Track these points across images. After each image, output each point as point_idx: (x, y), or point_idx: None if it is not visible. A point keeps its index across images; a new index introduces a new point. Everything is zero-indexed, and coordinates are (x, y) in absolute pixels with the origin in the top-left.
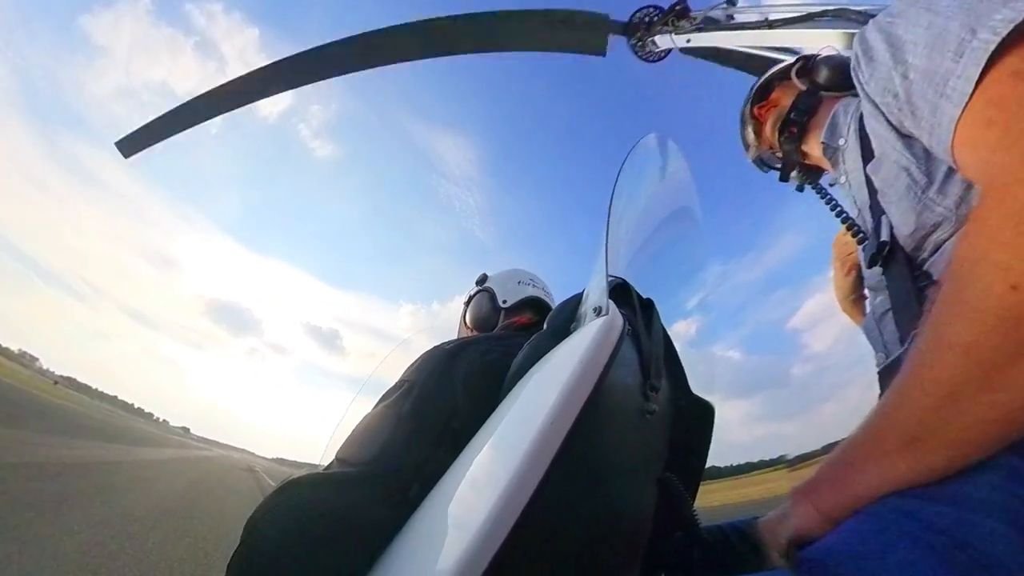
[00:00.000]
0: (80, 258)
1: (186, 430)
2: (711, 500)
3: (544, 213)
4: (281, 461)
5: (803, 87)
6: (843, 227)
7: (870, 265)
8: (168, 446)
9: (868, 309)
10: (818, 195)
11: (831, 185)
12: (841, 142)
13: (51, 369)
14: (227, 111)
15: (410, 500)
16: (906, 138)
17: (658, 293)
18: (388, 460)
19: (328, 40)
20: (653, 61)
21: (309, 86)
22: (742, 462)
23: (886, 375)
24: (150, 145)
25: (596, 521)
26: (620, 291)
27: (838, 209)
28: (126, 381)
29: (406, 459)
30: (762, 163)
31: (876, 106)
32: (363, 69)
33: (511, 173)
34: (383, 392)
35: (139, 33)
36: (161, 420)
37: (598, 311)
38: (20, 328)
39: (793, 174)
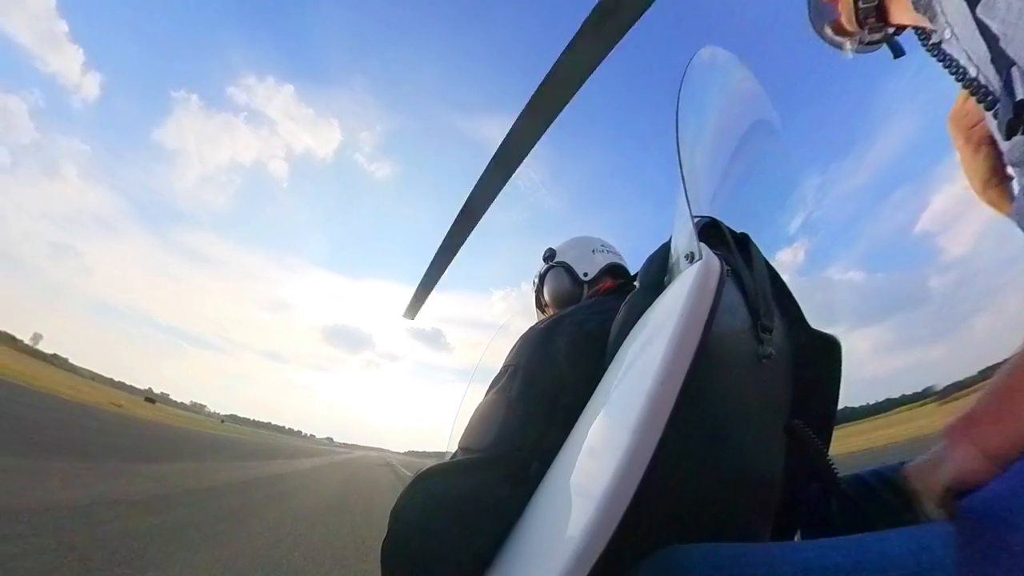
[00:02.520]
0: (214, 320)
1: (330, 440)
2: (848, 446)
3: (610, 161)
4: (412, 453)
5: None
6: (962, 92)
7: (1008, 135)
8: (318, 455)
9: (1015, 191)
10: (933, 56)
11: (933, 43)
12: None
13: (216, 411)
14: (458, 249)
15: (531, 477)
16: None
17: (752, 224)
18: (506, 442)
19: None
20: None
21: (350, 114)
22: (881, 399)
23: None
24: (425, 299)
25: (720, 478)
26: (710, 230)
27: (954, 68)
28: (274, 409)
29: (522, 439)
30: (865, 47)
31: None
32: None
33: (565, 132)
34: (492, 379)
35: (199, 127)
36: (309, 435)
37: (690, 257)
38: (186, 385)
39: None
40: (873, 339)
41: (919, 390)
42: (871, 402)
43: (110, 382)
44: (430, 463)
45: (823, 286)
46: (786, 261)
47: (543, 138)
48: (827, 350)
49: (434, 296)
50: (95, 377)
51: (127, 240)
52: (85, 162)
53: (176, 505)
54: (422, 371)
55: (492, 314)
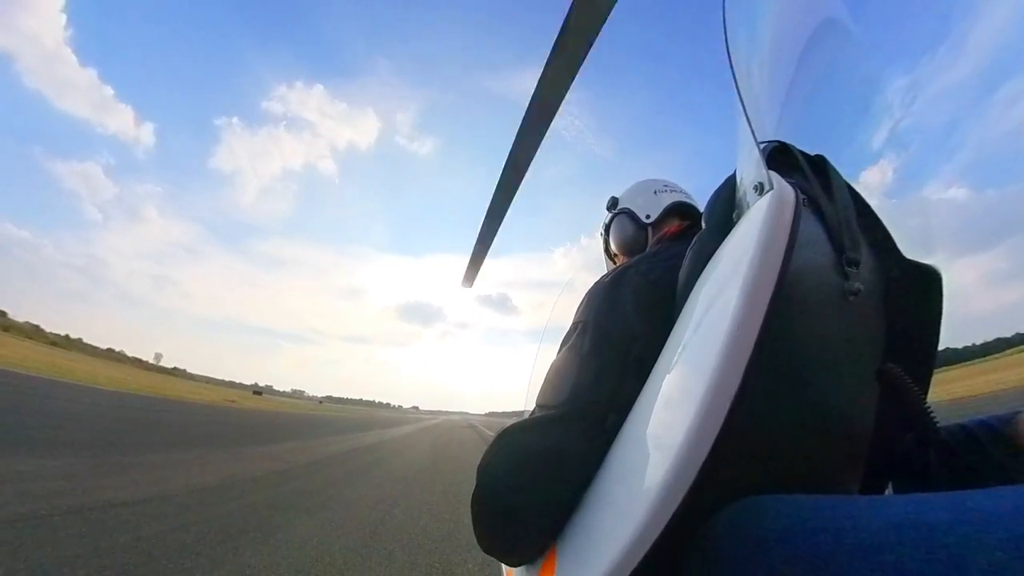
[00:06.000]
0: (300, 315)
1: (416, 408)
2: (951, 391)
3: (658, 95)
4: (492, 414)
5: None
6: None
7: None
8: (407, 423)
9: None
10: None
11: None
12: None
13: (315, 395)
14: (506, 211)
15: (609, 430)
16: None
17: (829, 143)
18: (581, 397)
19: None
20: None
21: (382, 99)
22: (990, 339)
23: None
24: (480, 265)
25: (804, 427)
26: (780, 156)
27: None
28: (364, 386)
29: (597, 393)
30: None
31: None
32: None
33: (606, 75)
34: (562, 336)
35: (247, 146)
36: (397, 406)
37: (759, 188)
38: (286, 376)
39: None
40: (981, 268)
41: None
42: (978, 342)
43: (222, 383)
44: (509, 422)
45: (918, 209)
46: (872, 183)
47: (578, 84)
48: (925, 283)
49: (494, 262)
50: (209, 381)
51: (212, 261)
52: (160, 201)
53: (291, 478)
54: (493, 336)
55: (555, 272)
